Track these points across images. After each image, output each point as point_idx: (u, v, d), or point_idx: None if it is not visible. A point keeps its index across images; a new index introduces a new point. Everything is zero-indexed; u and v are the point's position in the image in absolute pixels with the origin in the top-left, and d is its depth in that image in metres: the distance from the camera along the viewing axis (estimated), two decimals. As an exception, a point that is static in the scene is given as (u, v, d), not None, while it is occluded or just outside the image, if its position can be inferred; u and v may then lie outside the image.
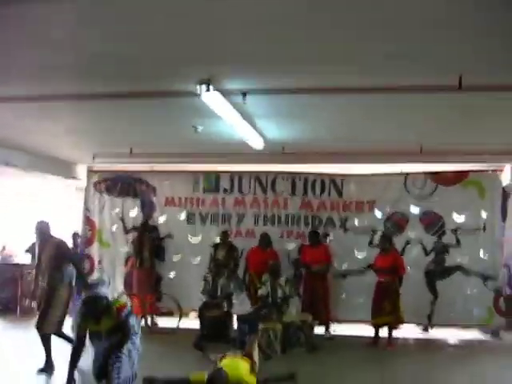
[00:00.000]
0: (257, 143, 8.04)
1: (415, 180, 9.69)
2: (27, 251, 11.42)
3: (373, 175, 9.93)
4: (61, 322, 6.88)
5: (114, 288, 10.54)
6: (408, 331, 9.69)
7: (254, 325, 8.21)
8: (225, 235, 9.87)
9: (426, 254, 9.60)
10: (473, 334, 9.67)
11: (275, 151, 8.71)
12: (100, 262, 10.77)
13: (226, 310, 8.91)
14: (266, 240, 9.66)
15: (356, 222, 9.89)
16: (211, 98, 5.65)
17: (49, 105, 6.52)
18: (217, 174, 10.40)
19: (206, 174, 10.45)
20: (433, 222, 9.60)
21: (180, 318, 9.40)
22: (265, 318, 8.33)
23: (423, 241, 9.62)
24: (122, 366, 5.52)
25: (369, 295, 8.83)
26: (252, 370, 6.48)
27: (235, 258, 9.79)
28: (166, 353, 7.95)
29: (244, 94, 5.72)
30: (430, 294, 9.48)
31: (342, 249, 9.76)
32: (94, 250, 10.79)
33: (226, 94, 5.67)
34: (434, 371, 7.24)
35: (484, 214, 9.47)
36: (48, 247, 6.93)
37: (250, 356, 6.69)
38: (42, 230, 7.06)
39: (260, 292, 8.93)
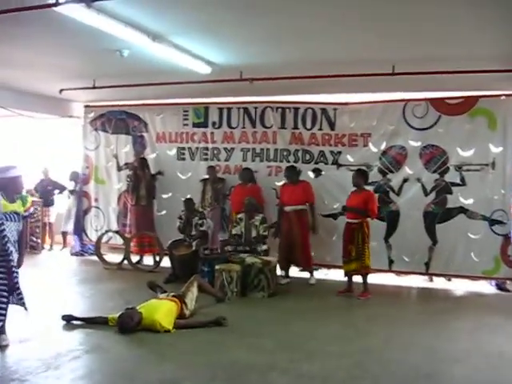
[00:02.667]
0: (199, 67, 7.20)
1: (415, 108, 8.38)
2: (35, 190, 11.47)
3: (368, 103, 8.77)
4: None
5: (108, 226, 10.40)
6: (410, 280, 8.74)
7: (213, 265, 7.68)
8: (211, 170, 9.34)
9: (426, 193, 8.37)
10: (480, 287, 8.44)
11: (231, 77, 7.78)
12: (96, 200, 10.64)
13: (194, 248, 8.38)
14: (245, 175, 8.95)
15: (349, 157, 8.84)
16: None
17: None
18: (205, 107, 9.73)
19: (195, 106, 9.81)
20: (434, 158, 8.31)
21: (161, 256, 9.03)
22: (223, 258, 7.74)
23: (423, 179, 8.39)
24: None
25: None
26: (180, 311, 6.15)
27: (223, 191, 9.32)
28: (131, 289, 7.71)
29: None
30: (429, 238, 8.33)
31: (334, 186, 8.82)
32: (91, 188, 10.68)
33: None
34: (392, 324, 6.31)
35: (494, 149, 8.02)
36: None
37: (181, 297, 6.28)
38: None
39: (234, 231, 8.34)
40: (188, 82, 8.00)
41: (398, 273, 8.79)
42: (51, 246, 11.35)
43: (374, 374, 4.68)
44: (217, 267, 7.49)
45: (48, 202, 11.24)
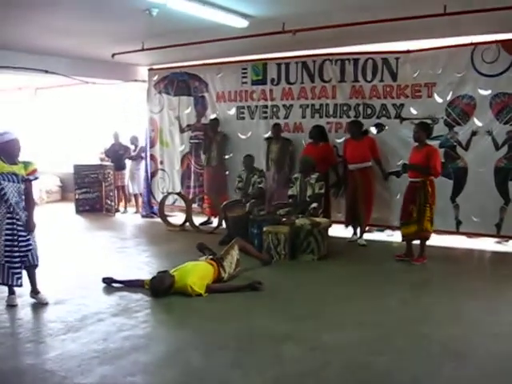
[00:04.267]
0: (233, 20, 6.79)
1: (485, 52, 7.48)
2: (106, 154, 11.76)
3: (432, 50, 7.92)
4: None
5: (173, 188, 10.45)
6: (482, 243, 8.00)
7: (262, 227, 7.44)
8: (276, 128, 8.98)
9: (497, 147, 7.53)
10: None
11: (272, 30, 7.27)
12: (162, 162, 10.71)
13: (247, 210, 8.18)
14: (315, 133, 8.49)
15: (413, 110, 8.14)
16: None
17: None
18: (264, 63, 9.34)
19: (253, 63, 9.45)
20: (507, 107, 7.41)
21: (221, 217, 8.91)
22: (273, 220, 7.47)
23: (493, 131, 7.53)
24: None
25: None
26: (217, 274, 6.04)
27: (291, 153, 8.92)
28: (186, 251, 7.54)
29: None
30: (500, 197, 7.54)
31: (397, 142, 8.21)
32: (157, 150, 10.75)
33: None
34: (441, 293, 5.79)
35: None
36: None
37: (219, 260, 6.15)
38: None
39: (290, 191, 8.03)
40: (230, 38, 7.65)
41: (468, 234, 8.07)
42: (125, 208, 11.64)
43: (397, 349, 4.26)
44: (264, 229, 7.27)
45: (120, 166, 11.47)
